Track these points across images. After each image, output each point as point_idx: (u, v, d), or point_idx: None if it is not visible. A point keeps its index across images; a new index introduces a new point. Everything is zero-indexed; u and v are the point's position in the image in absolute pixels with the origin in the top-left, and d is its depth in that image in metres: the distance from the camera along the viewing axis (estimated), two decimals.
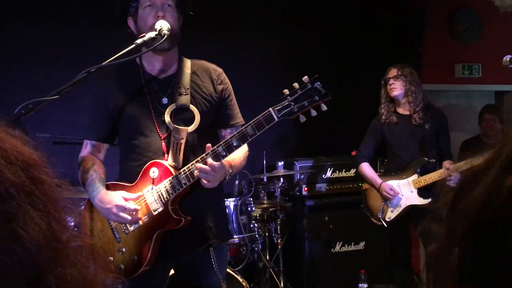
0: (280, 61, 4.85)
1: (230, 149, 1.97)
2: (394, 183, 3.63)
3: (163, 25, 2.02)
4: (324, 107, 1.93)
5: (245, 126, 1.96)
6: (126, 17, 2.19)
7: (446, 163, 3.48)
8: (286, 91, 1.93)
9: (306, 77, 1.93)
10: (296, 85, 1.92)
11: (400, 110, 3.71)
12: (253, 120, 1.95)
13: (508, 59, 2.86)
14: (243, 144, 1.97)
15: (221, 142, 1.99)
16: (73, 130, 4.13)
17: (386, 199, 3.63)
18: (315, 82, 1.91)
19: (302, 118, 1.93)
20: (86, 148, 2.25)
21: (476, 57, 5.74)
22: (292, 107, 1.91)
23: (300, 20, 4.92)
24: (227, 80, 2.27)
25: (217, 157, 1.98)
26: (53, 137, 4.06)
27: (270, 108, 1.93)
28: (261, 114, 1.94)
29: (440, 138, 3.66)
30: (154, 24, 2.03)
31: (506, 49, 5.37)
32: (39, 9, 4.16)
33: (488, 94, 6.01)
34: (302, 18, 4.93)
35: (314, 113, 1.93)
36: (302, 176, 4.37)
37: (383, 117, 3.70)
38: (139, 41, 1.98)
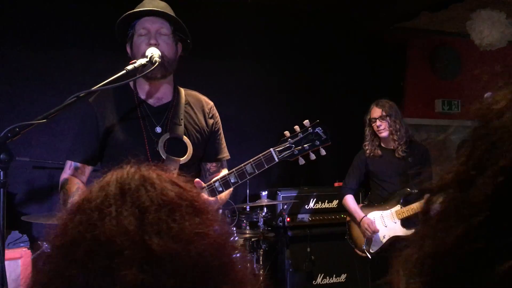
0: (268, 90, 4.91)
1: (227, 185, 1.96)
2: (377, 214, 3.65)
3: (154, 52, 2.01)
4: (323, 152, 1.95)
5: (244, 164, 1.95)
6: (125, 43, 2.17)
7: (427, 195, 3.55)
8: (287, 133, 1.95)
9: (307, 121, 1.95)
10: (297, 128, 1.95)
11: (384, 144, 3.76)
12: (253, 159, 1.94)
13: (489, 96, 2.92)
14: (241, 181, 1.95)
15: (218, 178, 1.97)
16: (54, 155, 4.06)
17: (363, 234, 3.65)
18: (316, 127, 1.94)
19: (301, 161, 1.95)
20: (70, 170, 2.15)
21: (455, 93, 5.90)
22: (292, 149, 1.93)
23: (289, 56, 5.01)
24: (217, 114, 2.26)
25: (213, 192, 1.96)
26: (33, 161, 3.99)
27: (271, 149, 1.94)
28: (262, 154, 1.94)
29: (422, 172, 3.71)
30: (146, 51, 2.03)
31: (485, 86, 5.54)
32: (23, 33, 4.14)
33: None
34: (292, 53, 5.02)
35: (313, 156, 1.95)
36: (286, 206, 4.36)
37: (368, 151, 3.75)
38: (129, 67, 1.96)
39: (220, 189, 1.96)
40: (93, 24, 4.27)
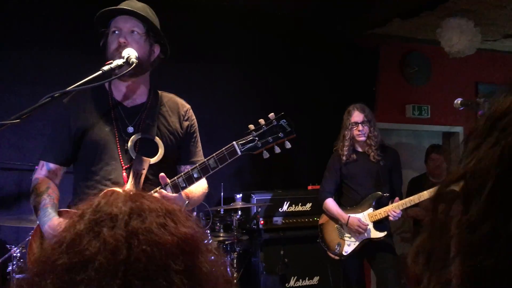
0: (243, 94, 4.92)
1: (190, 180, 1.94)
2: None
3: (130, 53, 1.99)
4: (288, 145, 1.94)
5: (207, 158, 1.94)
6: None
7: (396, 199, 3.62)
8: (252, 126, 1.94)
9: (272, 114, 1.94)
10: (262, 121, 1.94)
11: (358, 148, 3.81)
12: (216, 153, 1.93)
13: (459, 102, 3.00)
14: (204, 176, 1.94)
15: (181, 174, 1.95)
16: (23, 156, 3.97)
17: (358, 233, 3.65)
18: (281, 119, 1.93)
19: (266, 154, 1.94)
20: (42, 170, 2.13)
21: (425, 98, 6.04)
22: (256, 142, 1.92)
23: (263, 60, 5.03)
24: (194, 117, 2.25)
25: (177, 188, 1.94)
26: (1, 162, 3.89)
27: (234, 142, 1.93)
28: (224, 148, 1.93)
29: (393, 175, 3.78)
30: (115, 49, 2.01)
31: (453, 92, 5.70)
32: None
33: (436, 135, 6.30)
34: (265, 57, 5.04)
35: (277, 149, 1.94)
36: (260, 209, 4.37)
37: (344, 158, 3.74)
38: (105, 67, 1.94)
39: (183, 184, 1.94)
40: (66, 23, 4.20)
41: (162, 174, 1.95)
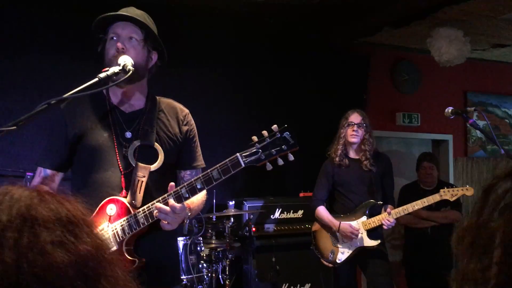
0: (232, 101, 4.93)
1: (193, 191, 1.92)
2: None
3: (126, 61, 1.99)
4: (291, 157, 1.94)
5: (211, 169, 1.92)
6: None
7: (388, 208, 3.63)
8: (255, 138, 1.93)
9: (275, 126, 1.94)
10: (265, 133, 1.93)
11: (351, 154, 3.83)
12: (219, 164, 1.91)
13: (450, 110, 3.05)
14: (207, 187, 1.93)
15: (185, 184, 1.94)
16: (13, 162, 3.94)
17: (349, 240, 3.66)
18: (284, 131, 1.92)
19: (269, 166, 1.93)
20: (40, 177, 2.11)
21: (415, 107, 6.10)
22: (259, 154, 1.91)
23: (255, 67, 5.05)
24: (193, 122, 2.24)
25: (180, 198, 1.93)
26: None
27: (238, 154, 1.91)
28: (228, 159, 1.92)
29: (384, 180, 3.80)
30: (113, 55, 2.00)
31: (443, 101, 5.77)
32: None
33: (426, 142, 6.36)
34: (255, 64, 5.06)
35: (281, 162, 1.93)
36: (252, 216, 4.37)
37: (337, 159, 3.78)
38: (102, 75, 1.93)
39: (187, 195, 1.92)
40: (60, 29, 4.19)
41: (172, 183, 1.95)
